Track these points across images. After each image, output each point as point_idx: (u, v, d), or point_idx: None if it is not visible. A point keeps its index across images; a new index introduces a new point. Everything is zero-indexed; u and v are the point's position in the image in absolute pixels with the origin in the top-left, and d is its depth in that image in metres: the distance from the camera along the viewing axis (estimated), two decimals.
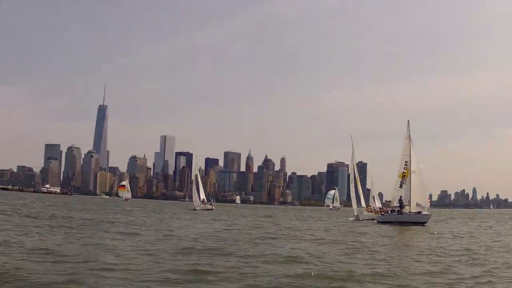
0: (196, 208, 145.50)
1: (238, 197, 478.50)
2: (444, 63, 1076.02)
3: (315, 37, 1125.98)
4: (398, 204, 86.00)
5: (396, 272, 25.81)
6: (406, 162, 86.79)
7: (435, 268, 27.57)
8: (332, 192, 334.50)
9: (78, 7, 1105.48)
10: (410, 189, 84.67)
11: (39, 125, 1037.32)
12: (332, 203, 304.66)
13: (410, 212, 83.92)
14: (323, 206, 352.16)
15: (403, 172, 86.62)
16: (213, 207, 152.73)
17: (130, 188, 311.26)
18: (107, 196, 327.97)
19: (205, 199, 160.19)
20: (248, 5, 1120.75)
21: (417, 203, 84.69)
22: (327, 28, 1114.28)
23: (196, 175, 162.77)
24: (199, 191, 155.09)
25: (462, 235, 58.83)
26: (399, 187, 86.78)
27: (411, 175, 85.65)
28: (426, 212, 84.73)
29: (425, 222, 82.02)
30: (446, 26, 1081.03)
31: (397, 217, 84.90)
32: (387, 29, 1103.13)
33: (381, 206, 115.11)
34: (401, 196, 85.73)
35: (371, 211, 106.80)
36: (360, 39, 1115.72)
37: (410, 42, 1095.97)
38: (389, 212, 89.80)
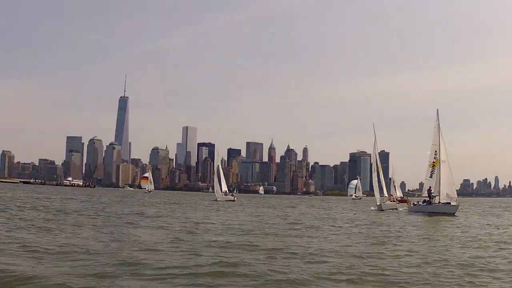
0: (218, 199, 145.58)
1: (261, 187, 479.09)
2: (467, 50, 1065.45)
3: (333, 25, 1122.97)
4: (427, 194, 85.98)
5: None
6: (436, 151, 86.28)
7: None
8: (354, 181, 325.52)
9: (93, 2, 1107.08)
10: (440, 179, 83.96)
11: (60, 117, 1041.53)
12: (355, 193, 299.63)
13: (439, 202, 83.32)
14: (346, 195, 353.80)
15: (433, 162, 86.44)
16: (235, 198, 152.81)
17: (153, 180, 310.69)
18: (131, 188, 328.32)
19: (227, 190, 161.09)
20: None
21: (447, 193, 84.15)
22: (345, 15, 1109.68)
23: (218, 166, 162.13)
24: (220, 182, 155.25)
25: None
26: (429, 177, 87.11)
27: (441, 165, 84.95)
28: (454, 203, 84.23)
29: (454, 213, 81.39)
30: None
31: (427, 207, 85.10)
32: (404, 15, 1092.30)
33: (402, 196, 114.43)
34: (430, 187, 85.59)
35: (393, 201, 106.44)
36: (379, 26, 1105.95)
37: (431, 30, 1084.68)
38: (421, 202, 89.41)
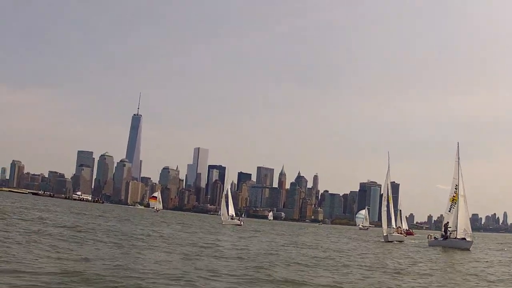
0: (223, 223, 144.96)
1: (271, 213, 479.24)
2: (481, 79, 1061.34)
3: (348, 49, 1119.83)
4: (444, 229, 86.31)
5: None
6: (456, 185, 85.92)
7: None
8: (362, 211, 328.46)
9: (116, 14, 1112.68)
10: (457, 214, 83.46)
11: (72, 131, 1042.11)
12: (362, 223, 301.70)
13: (456, 237, 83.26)
14: (354, 225, 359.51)
15: (453, 196, 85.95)
16: (241, 223, 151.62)
17: (162, 200, 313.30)
18: (142, 207, 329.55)
19: (234, 214, 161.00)
20: (280, 17, 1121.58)
21: (464, 228, 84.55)
22: (359, 40, 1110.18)
23: (227, 190, 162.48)
24: (228, 206, 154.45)
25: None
26: (448, 211, 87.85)
27: (459, 199, 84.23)
28: (469, 238, 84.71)
29: (469, 248, 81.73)
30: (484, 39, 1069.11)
31: (446, 242, 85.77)
32: (421, 41, 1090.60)
33: (407, 228, 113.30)
34: (447, 222, 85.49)
35: (400, 233, 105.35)
36: (396, 51, 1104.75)
37: (445, 57, 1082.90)
38: (438, 236, 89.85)
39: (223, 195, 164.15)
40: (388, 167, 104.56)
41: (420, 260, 55.01)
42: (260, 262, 39.17)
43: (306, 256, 48.55)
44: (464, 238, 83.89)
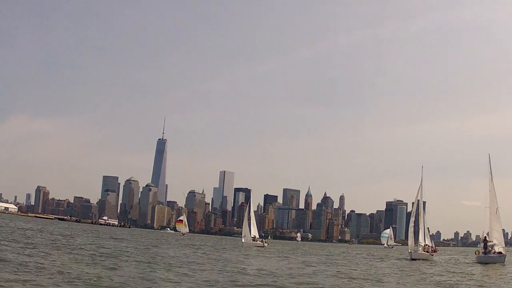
0: (245, 245, 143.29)
1: (298, 234, 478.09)
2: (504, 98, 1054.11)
3: (373, 69, 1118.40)
4: (483, 244, 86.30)
5: None
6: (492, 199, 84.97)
7: None
8: (387, 231, 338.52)
9: (141, 41, 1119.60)
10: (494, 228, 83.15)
11: (97, 157, 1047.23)
12: (387, 242, 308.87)
13: (495, 252, 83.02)
14: (380, 244, 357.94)
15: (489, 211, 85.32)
16: (265, 244, 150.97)
17: (188, 223, 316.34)
18: (172, 231, 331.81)
19: (257, 235, 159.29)
20: (308, 40, 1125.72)
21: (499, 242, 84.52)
22: (384, 60, 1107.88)
23: (249, 210, 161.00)
24: (251, 227, 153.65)
25: None
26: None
27: (496, 213, 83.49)
28: (504, 252, 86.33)
29: (503, 263, 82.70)
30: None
31: (487, 258, 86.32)
32: (445, 61, 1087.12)
33: (432, 245, 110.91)
34: (485, 237, 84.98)
35: (427, 251, 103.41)
36: (419, 71, 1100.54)
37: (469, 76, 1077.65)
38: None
39: (246, 216, 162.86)
40: (421, 181, 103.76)
41: None
42: None
43: None
44: (500, 252, 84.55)
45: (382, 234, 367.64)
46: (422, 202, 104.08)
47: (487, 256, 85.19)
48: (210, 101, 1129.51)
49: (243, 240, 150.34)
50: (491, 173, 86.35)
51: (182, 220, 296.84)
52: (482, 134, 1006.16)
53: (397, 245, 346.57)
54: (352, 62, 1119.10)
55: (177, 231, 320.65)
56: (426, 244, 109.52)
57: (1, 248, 51.20)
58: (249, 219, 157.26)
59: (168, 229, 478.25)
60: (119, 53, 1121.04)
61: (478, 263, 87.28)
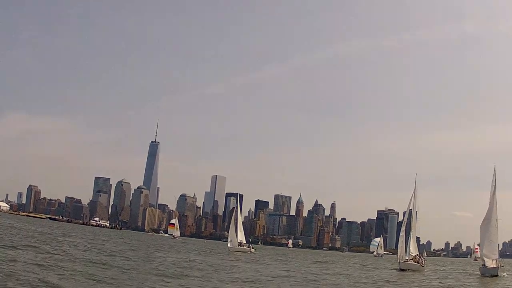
0: (230, 250, 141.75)
1: (290, 241, 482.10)
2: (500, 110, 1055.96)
3: (372, 78, 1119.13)
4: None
5: None
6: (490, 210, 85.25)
7: None
8: (377, 239, 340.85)
9: (137, 41, 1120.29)
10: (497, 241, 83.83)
11: (89, 158, 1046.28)
12: (377, 250, 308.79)
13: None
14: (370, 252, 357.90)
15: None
16: (252, 250, 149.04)
17: (179, 226, 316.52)
18: (166, 235, 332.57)
19: (243, 240, 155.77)
20: (304, 48, 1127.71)
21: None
22: (383, 69, 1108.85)
23: (237, 215, 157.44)
24: (237, 232, 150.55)
25: None
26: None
27: (497, 224, 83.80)
28: (495, 264, 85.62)
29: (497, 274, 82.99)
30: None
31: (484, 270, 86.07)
32: (445, 73, 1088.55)
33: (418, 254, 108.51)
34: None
35: (417, 262, 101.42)
36: (418, 82, 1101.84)
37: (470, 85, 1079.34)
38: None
39: (233, 221, 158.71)
40: (415, 188, 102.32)
41: None
42: None
43: None
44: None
45: (372, 243, 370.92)
46: (415, 211, 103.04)
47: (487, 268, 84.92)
48: (204, 106, 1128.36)
49: (229, 245, 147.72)
50: (495, 185, 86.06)
51: (174, 224, 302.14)
52: (476, 146, 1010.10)
53: (387, 253, 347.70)
54: (347, 71, 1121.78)
55: (165, 233, 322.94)
56: (417, 255, 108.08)
57: None
58: (235, 223, 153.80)
59: (162, 232, 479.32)
60: (115, 55, 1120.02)
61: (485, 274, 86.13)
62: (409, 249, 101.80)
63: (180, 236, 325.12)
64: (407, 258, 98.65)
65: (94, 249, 74.85)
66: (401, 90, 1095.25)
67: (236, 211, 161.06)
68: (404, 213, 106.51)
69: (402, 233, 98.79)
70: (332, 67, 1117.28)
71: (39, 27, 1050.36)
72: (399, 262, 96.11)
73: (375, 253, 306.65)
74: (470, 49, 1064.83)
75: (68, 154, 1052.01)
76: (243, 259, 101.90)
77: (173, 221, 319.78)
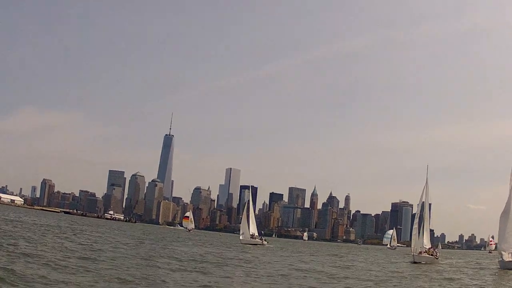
0: (242, 242, 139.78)
1: (305, 233, 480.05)
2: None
3: (383, 72, 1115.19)
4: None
5: None
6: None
7: None
8: (390, 232, 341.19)
9: (149, 39, 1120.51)
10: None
11: (104, 151, 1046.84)
12: (390, 243, 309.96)
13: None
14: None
15: None
16: (264, 242, 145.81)
17: (193, 219, 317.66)
18: (181, 228, 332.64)
19: (256, 233, 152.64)
20: (314, 41, 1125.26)
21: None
22: (395, 63, 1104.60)
23: (248, 207, 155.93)
24: (249, 224, 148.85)
25: None
26: None
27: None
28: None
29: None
30: None
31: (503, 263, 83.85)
32: (454, 65, 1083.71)
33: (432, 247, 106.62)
34: None
35: (432, 254, 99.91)
36: (429, 74, 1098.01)
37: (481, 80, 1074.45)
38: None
39: (244, 213, 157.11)
40: (426, 181, 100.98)
41: None
42: None
43: None
44: None
45: (385, 235, 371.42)
46: (427, 203, 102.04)
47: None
48: (219, 99, 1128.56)
49: (240, 238, 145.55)
50: None
51: (188, 217, 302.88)
52: (490, 139, 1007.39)
53: (401, 246, 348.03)
54: (361, 65, 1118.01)
55: (180, 226, 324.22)
56: (431, 247, 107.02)
57: None
58: (247, 215, 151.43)
59: (178, 225, 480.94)
60: (129, 49, 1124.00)
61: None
62: (423, 241, 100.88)
63: (195, 229, 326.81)
64: (420, 250, 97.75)
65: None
66: (414, 83, 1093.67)
67: (249, 203, 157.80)
68: (418, 205, 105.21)
69: (415, 226, 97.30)
70: (346, 60, 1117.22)
71: (47, 23, 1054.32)
72: (413, 255, 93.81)
73: (388, 245, 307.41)
74: (479, 41, 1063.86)
75: (81, 148, 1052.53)
76: (259, 251, 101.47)
77: (187, 214, 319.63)
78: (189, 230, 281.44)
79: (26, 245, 50.29)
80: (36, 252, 44.81)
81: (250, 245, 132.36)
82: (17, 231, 74.62)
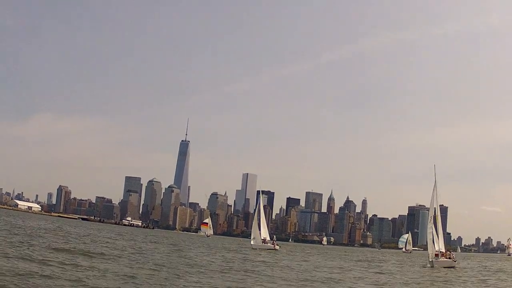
0: (253, 247, 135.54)
1: (324, 238, 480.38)
2: None
3: (398, 73, 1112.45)
4: None
5: None
6: None
7: None
8: (405, 236, 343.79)
9: (167, 44, 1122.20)
10: None
11: (120, 157, 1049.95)
12: (405, 247, 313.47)
13: None
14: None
15: None
16: (276, 247, 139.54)
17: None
18: (203, 234, 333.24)
19: (267, 237, 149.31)
20: (332, 43, 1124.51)
21: None
22: (409, 64, 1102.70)
23: (258, 207, 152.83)
24: (260, 228, 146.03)
25: None
26: None
27: None
28: None
29: None
30: None
31: None
32: (468, 66, 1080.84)
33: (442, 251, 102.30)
34: None
35: (449, 257, 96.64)
36: (444, 75, 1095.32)
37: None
38: None
39: (255, 217, 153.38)
40: (435, 183, 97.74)
41: None
42: None
43: None
44: None
45: (400, 239, 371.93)
46: (438, 205, 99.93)
47: None
48: (234, 103, 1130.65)
49: (252, 243, 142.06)
50: None
51: (207, 223, 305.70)
52: (503, 140, 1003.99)
53: (418, 250, 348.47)
54: (376, 67, 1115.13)
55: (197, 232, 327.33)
56: (448, 250, 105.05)
57: None
58: (258, 219, 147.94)
59: (200, 231, 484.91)
60: (144, 55, 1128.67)
61: None
62: (434, 244, 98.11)
63: (213, 234, 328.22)
64: (436, 252, 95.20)
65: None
66: (428, 85, 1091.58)
67: (259, 208, 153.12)
68: (430, 208, 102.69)
69: (430, 230, 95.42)
70: (359, 62, 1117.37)
71: (61, 28, 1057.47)
72: (432, 260, 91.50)
73: (404, 249, 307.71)
74: (492, 41, 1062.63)
75: (97, 154, 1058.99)
76: (283, 257, 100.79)
77: (206, 220, 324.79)
78: (208, 236, 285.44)
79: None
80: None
81: (263, 250, 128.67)
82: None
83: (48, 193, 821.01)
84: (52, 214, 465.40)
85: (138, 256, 60.49)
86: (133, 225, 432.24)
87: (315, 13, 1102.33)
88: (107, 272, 39.83)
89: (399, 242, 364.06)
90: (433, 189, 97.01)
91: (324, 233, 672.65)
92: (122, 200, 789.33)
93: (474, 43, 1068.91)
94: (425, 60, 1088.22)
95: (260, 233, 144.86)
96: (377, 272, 69.91)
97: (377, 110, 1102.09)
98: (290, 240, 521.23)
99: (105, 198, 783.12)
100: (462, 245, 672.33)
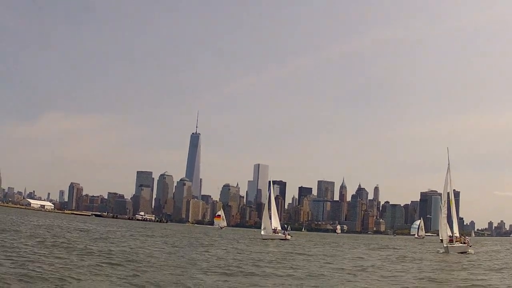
0: (264, 237, 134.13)
1: (338, 226, 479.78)
2: None
3: (408, 64, 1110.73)
4: None
5: None
6: None
7: None
8: (417, 222, 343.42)
9: (176, 41, 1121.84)
10: None
11: (130, 152, 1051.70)
12: (418, 233, 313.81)
13: None
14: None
15: None
16: (288, 236, 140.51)
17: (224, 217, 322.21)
18: (217, 227, 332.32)
19: (278, 227, 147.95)
20: (337, 38, 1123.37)
21: None
22: (416, 57, 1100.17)
23: (270, 202, 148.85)
24: (271, 218, 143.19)
25: None
26: None
27: None
28: None
29: None
30: None
31: None
32: (478, 57, 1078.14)
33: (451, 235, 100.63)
34: None
35: (464, 242, 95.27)
36: (456, 63, 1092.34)
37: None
38: None
39: (266, 206, 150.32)
40: (448, 166, 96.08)
41: None
42: None
43: None
44: None
45: (412, 225, 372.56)
46: (452, 189, 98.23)
47: None
48: (245, 96, 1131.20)
49: (262, 233, 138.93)
50: None
51: (220, 215, 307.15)
52: None
53: (431, 235, 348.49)
54: (385, 59, 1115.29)
55: (210, 224, 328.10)
56: (462, 235, 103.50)
57: None
58: (269, 208, 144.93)
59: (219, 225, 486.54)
60: (154, 52, 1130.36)
61: None
62: (453, 230, 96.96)
63: (226, 226, 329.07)
64: (450, 238, 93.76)
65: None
66: (438, 74, 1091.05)
67: (270, 197, 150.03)
68: (443, 193, 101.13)
69: (443, 215, 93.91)
70: (369, 55, 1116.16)
71: (74, 28, 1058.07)
72: (447, 246, 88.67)
73: (416, 235, 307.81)
74: (500, 34, 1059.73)
75: (107, 150, 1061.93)
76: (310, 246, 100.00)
77: (219, 212, 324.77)
78: (221, 228, 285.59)
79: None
80: None
81: (275, 240, 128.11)
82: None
83: (60, 191, 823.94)
84: (65, 211, 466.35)
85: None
86: (146, 220, 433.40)
87: (315, 13, 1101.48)
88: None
89: (411, 229, 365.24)
90: (447, 172, 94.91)
91: (337, 222, 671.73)
92: (134, 195, 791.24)
93: (480, 36, 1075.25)
94: (434, 47, 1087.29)
95: (271, 223, 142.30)
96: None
97: (387, 100, 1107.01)
98: (303, 230, 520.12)
99: (117, 194, 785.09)
100: (475, 229, 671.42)
